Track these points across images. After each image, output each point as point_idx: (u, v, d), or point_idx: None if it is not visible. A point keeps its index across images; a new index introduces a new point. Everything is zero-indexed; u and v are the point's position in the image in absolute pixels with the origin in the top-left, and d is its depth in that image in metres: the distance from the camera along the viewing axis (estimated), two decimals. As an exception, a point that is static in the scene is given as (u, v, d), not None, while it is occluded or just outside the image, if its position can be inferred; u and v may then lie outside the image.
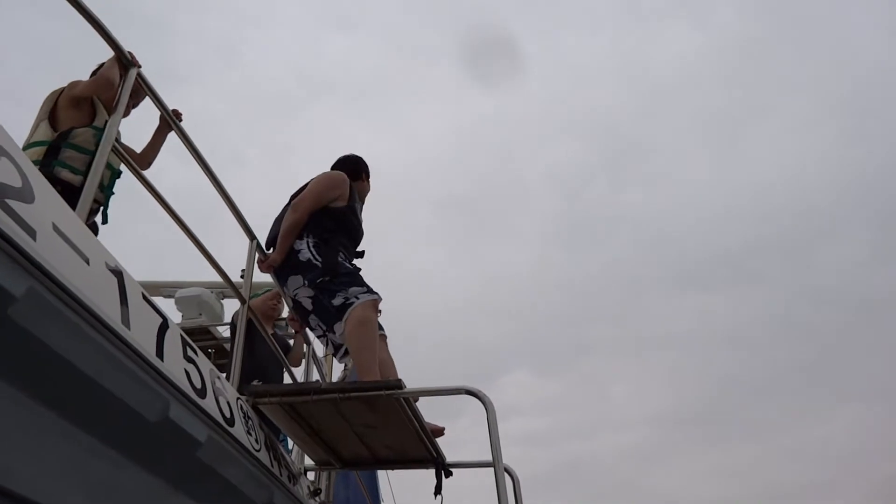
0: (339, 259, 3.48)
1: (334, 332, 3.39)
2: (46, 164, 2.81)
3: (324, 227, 3.58)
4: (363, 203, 4.04)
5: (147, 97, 2.92)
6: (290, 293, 3.51)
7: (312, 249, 3.46)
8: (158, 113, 3.25)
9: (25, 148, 2.89)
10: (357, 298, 3.26)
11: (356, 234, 3.80)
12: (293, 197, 3.72)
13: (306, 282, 3.40)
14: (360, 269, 3.56)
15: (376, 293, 3.36)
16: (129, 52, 2.61)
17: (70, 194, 2.59)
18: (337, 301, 3.28)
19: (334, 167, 3.96)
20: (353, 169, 3.95)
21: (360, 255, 3.79)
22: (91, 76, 3.21)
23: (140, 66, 2.61)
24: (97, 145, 2.90)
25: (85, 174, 2.92)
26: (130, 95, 3.15)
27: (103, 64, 3.17)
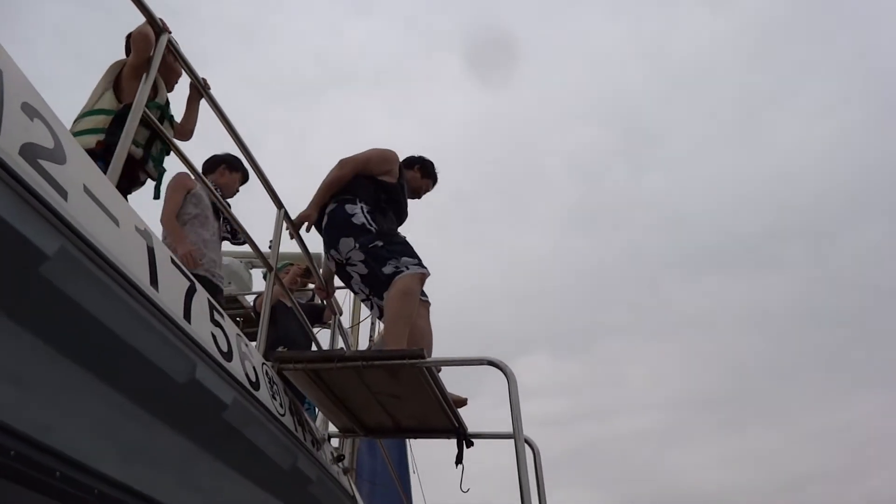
0: (393, 228, 3.52)
1: (381, 298, 3.42)
2: (112, 133, 2.83)
3: (378, 199, 3.62)
4: (417, 197, 4.15)
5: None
6: (342, 255, 3.51)
7: (367, 216, 3.49)
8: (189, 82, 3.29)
9: (89, 114, 2.92)
10: (407, 269, 3.29)
11: (402, 213, 3.86)
12: None
13: (358, 244, 3.42)
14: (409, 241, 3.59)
15: (426, 268, 3.38)
16: (160, 19, 2.62)
17: (129, 166, 2.64)
18: (388, 269, 3.31)
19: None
20: (410, 159, 4.04)
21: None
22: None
23: (171, 32, 2.62)
24: (160, 119, 2.94)
25: (145, 147, 2.97)
26: (172, 69, 3.20)
27: None
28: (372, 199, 3.61)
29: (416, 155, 4.16)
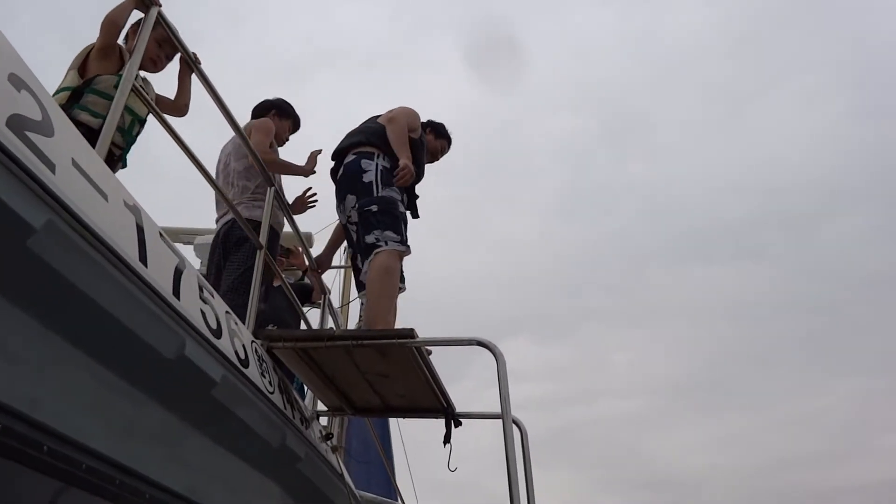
0: (396, 197, 3.51)
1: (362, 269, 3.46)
2: (67, 107, 2.81)
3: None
4: (435, 160, 4.24)
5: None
6: (346, 213, 3.59)
7: (379, 175, 3.50)
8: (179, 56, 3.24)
9: (55, 94, 2.90)
10: (386, 244, 3.29)
11: (420, 169, 3.87)
12: (369, 119, 3.86)
13: (357, 205, 3.46)
14: (406, 216, 3.61)
15: (406, 247, 3.39)
16: None
17: (89, 137, 2.60)
18: (370, 238, 3.34)
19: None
20: (422, 123, 4.03)
21: (415, 196, 3.84)
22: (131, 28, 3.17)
23: (161, 5, 2.58)
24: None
25: (105, 118, 2.93)
26: (161, 45, 3.14)
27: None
28: (391, 154, 3.62)
29: (425, 119, 4.17)
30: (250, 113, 4.20)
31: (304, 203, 4.23)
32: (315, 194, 4.19)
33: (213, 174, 2.87)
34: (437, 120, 4.23)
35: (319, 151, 3.99)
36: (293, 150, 4.31)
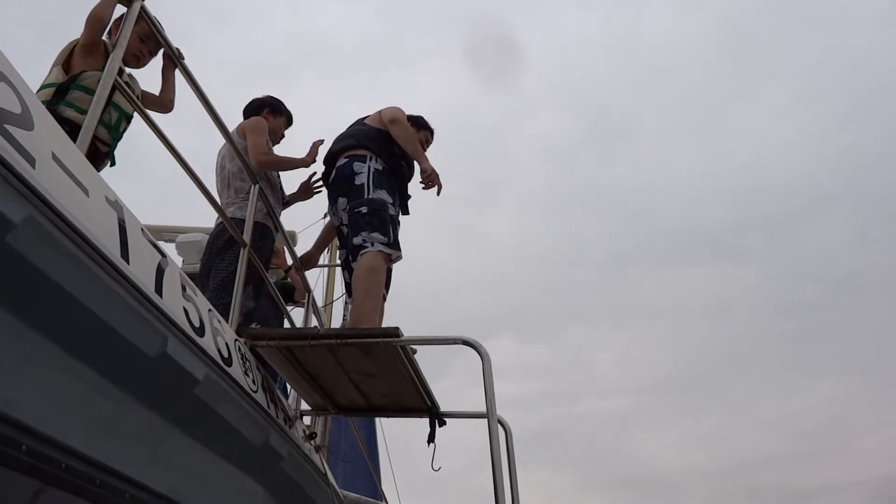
0: (387, 200, 3.50)
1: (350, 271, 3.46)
2: (53, 104, 2.78)
3: (391, 153, 3.66)
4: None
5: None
6: (338, 216, 3.62)
7: (371, 177, 3.51)
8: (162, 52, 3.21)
9: (36, 92, 2.86)
10: (372, 245, 3.28)
11: (411, 167, 3.89)
12: (357, 121, 3.87)
13: (348, 207, 3.47)
14: (398, 219, 3.60)
15: (392, 250, 3.37)
16: None
17: (75, 134, 2.57)
18: (357, 240, 3.35)
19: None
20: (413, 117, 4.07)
21: (407, 196, 3.83)
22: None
23: None
24: (113, 88, 2.85)
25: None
26: (143, 40, 3.10)
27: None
28: (383, 153, 3.63)
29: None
30: (241, 113, 4.17)
31: (309, 188, 4.21)
32: (320, 179, 4.14)
33: (198, 172, 2.84)
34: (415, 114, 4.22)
35: (321, 141, 3.97)
36: (285, 148, 4.30)
